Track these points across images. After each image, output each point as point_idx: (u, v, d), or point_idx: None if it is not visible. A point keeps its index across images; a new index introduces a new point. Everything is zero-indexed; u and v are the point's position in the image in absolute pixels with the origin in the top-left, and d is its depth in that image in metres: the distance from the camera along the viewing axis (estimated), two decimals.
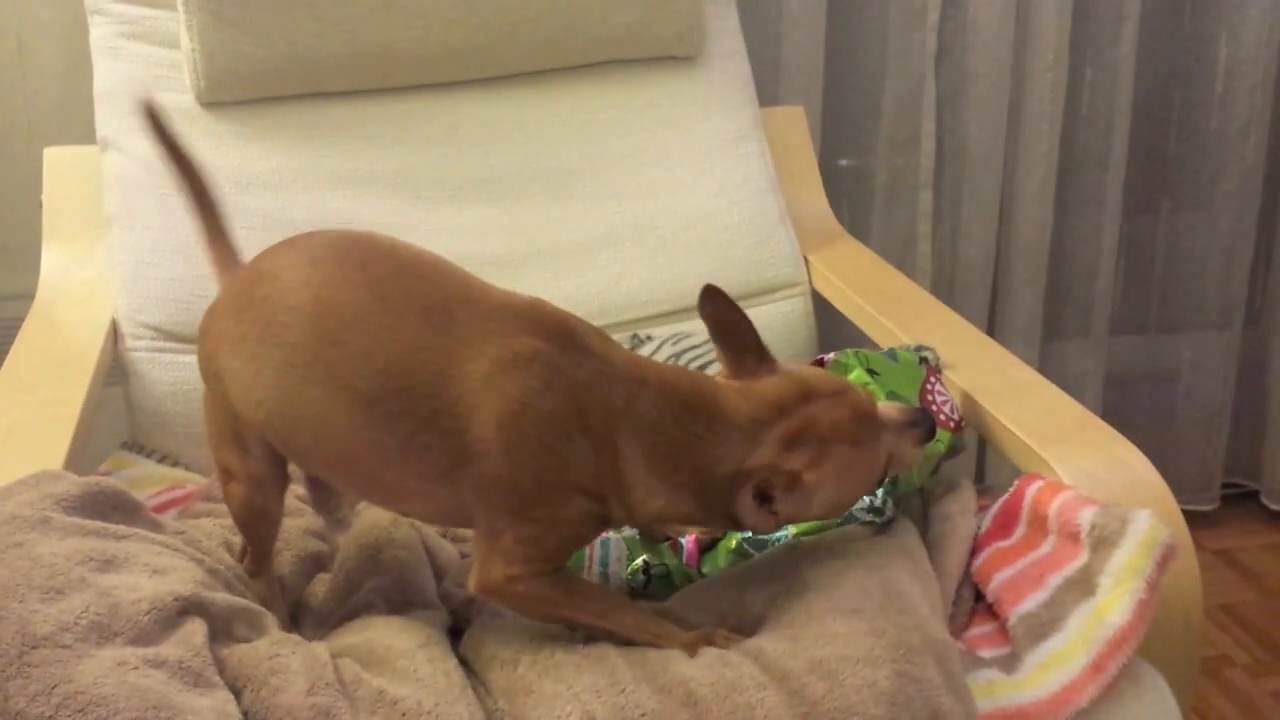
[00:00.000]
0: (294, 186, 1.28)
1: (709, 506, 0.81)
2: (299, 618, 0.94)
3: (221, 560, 0.92)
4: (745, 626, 0.86)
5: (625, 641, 0.82)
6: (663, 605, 0.88)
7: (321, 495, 1.00)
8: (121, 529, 0.85)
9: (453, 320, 0.80)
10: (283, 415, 0.83)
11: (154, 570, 0.81)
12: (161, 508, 1.07)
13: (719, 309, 0.84)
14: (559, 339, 0.80)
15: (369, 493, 0.89)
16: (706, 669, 0.78)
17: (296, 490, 1.01)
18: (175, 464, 1.20)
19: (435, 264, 0.85)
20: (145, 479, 1.14)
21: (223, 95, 1.29)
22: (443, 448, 0.79)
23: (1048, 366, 1.81)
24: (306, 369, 0.81)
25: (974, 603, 0.93)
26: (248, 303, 0.86)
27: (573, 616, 0.83)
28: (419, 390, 0.79)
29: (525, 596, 0.81)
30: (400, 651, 0.81)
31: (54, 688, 0.69)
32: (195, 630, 0.77)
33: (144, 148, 1.28)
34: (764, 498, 0.80)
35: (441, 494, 0.82)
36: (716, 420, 0.80)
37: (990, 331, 1.77)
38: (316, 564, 1.00)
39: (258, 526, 0.91)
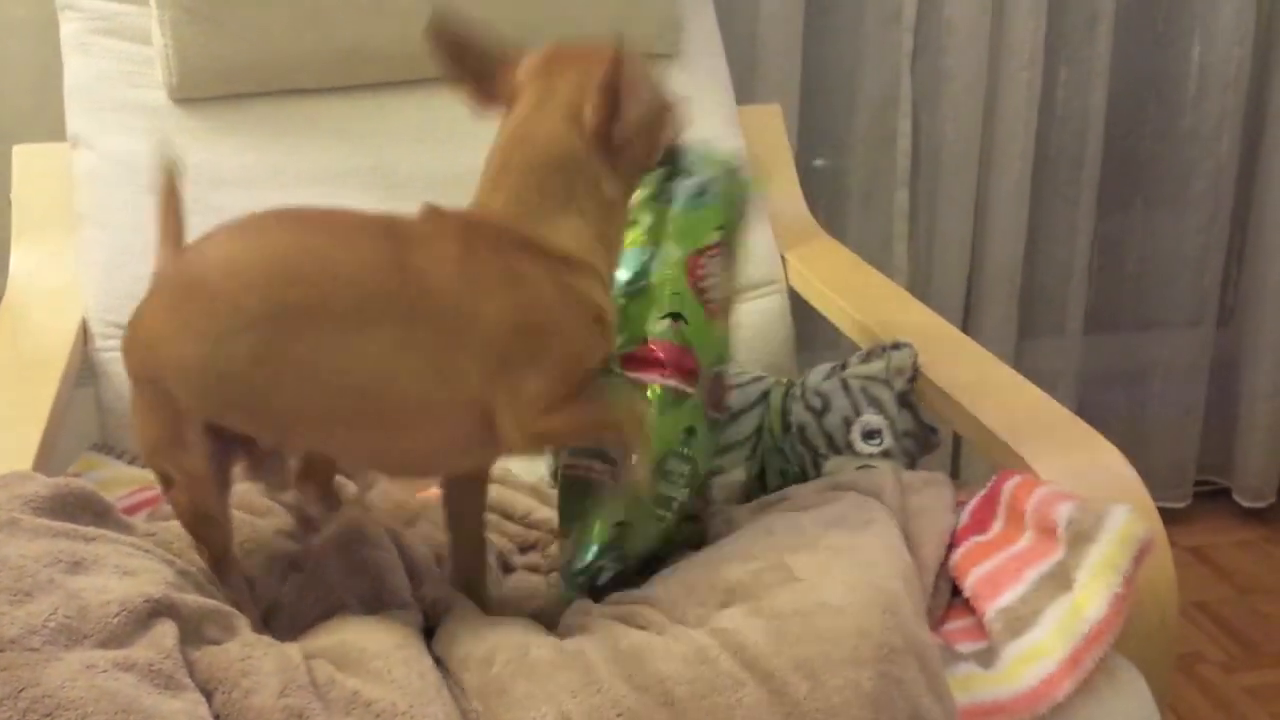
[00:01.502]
0: (267, 183, 1.27)
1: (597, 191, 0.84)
2: (272, 619, 0.93)
3: (193, 561, 0.91)
4: (715, 597, 0.85)
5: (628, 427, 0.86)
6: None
7: (308, 492, 0.99)
8: (90, 530, 0.84)
9: (392, 231, 0.84)
10: (259, 388, 0.82)
11: (124, 572, 0.80)
12: (132, 509, 1.06)
13: (448, 43, 0.86)
14: (459, 213, 0.86)
15: (365, 439, 0.85)
16: (685, 665, 0.78)
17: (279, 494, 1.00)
18: (145, 465, 1.18)
19: (339, 207, 0.88)
20: (115, 480, 1.13)
21: (195, 91, 1.28)
22: (435, 339, 0.81)
23: (1022, 364, 1.81)
24: (277, 324, 0.80)
25: (951, 597, 0.93)
26: (185, 292, 0.84)
27: (589, 419, 0.85)
28: (399, 292, 0.81)
29: (563, 427, 0.85)
30: (374, 653, 0.80)
31: (21, 691, 0.68)
32: (166, 632, 0.76)
33: (115, 145, 1.27)
34: (609, 111, 0.81)
35: (444, 405, 0.82)
36: (548, 151, 0.84)
37: (965, 329, 1.78)
38: (290, 565, 0.99)
39: (208, 530, 0.88)
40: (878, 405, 1.07)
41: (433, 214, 0.85)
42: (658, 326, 0.94)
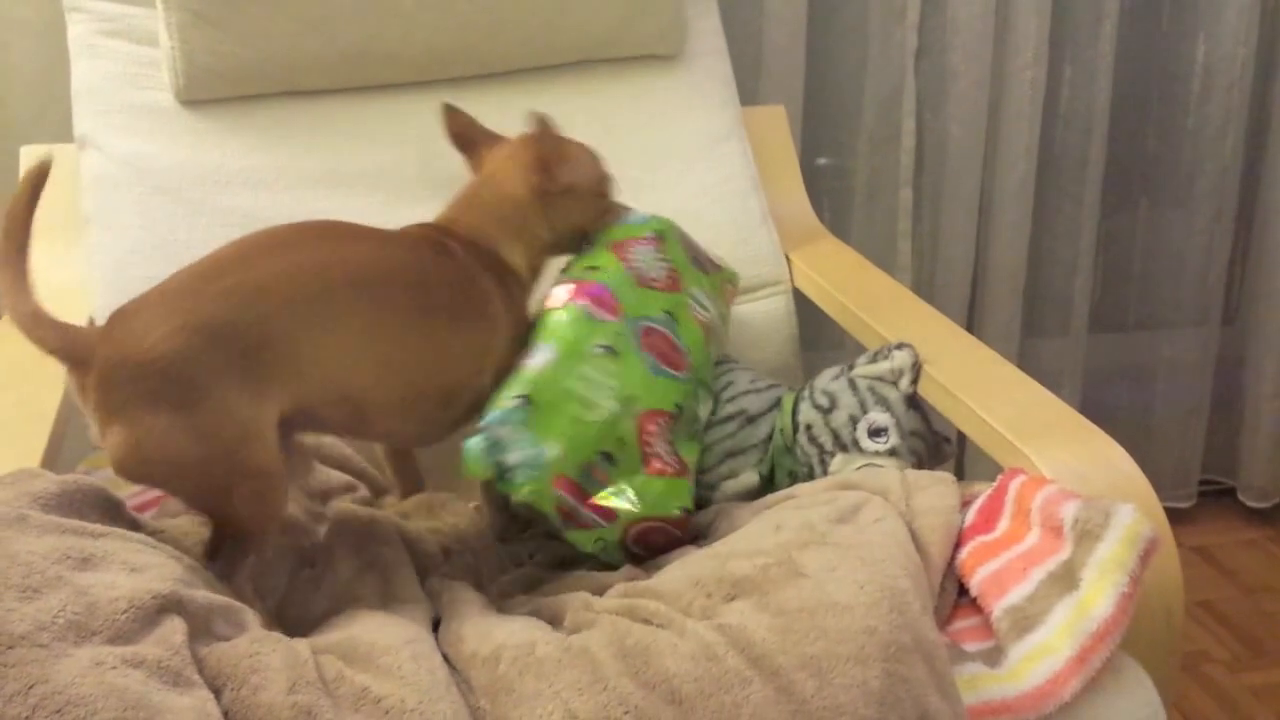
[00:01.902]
0: (274, 185, 1.27)
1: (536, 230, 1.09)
2: (283, 614, 0.93)
3: (200, 558, 0.91)
4: (723, 590, 0.85)
5: None
6: None
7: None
8: (98, 527, 0.84)
9: (420, 241, 1.04)
10: (353, 375, 0.94)
11: (132, 568, 0.81)
12: (138, 509, 1.06)
13: (457, 124, 1.15)
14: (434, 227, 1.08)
15: (414, 417, 1.00)
16: (692, 662, 0.78)
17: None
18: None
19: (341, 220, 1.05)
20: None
21: (202, 93, 1.28)
22: (480, 333, 1.02)
23: (1027, 363, 1.81)
24: (374, 319, 0.95)
25: (958, 596, 0.93)
26: (313, 290, 0.93)
27: None
28: (463, 294, 1.02)
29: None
30: (384, 648, 0.80)
31: (31, 687, 0.68)
32: (174, 629, 0.77)
33: (122, 146, 1.27)
34: (544, 167, 1.08)
35: (469, 386, 1.01)
36: (501, 194, 1.10)
37: (970, 328, 1.78)
38: (300, 560, 1.00)
39: (271, 525, 0.94)
40: (884, 404, 1.07)
41: (439, 229, 1.07)
42: (574, 270, 1.10)
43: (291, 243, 0.96)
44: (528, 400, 0.98)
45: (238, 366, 0.87)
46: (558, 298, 1.06)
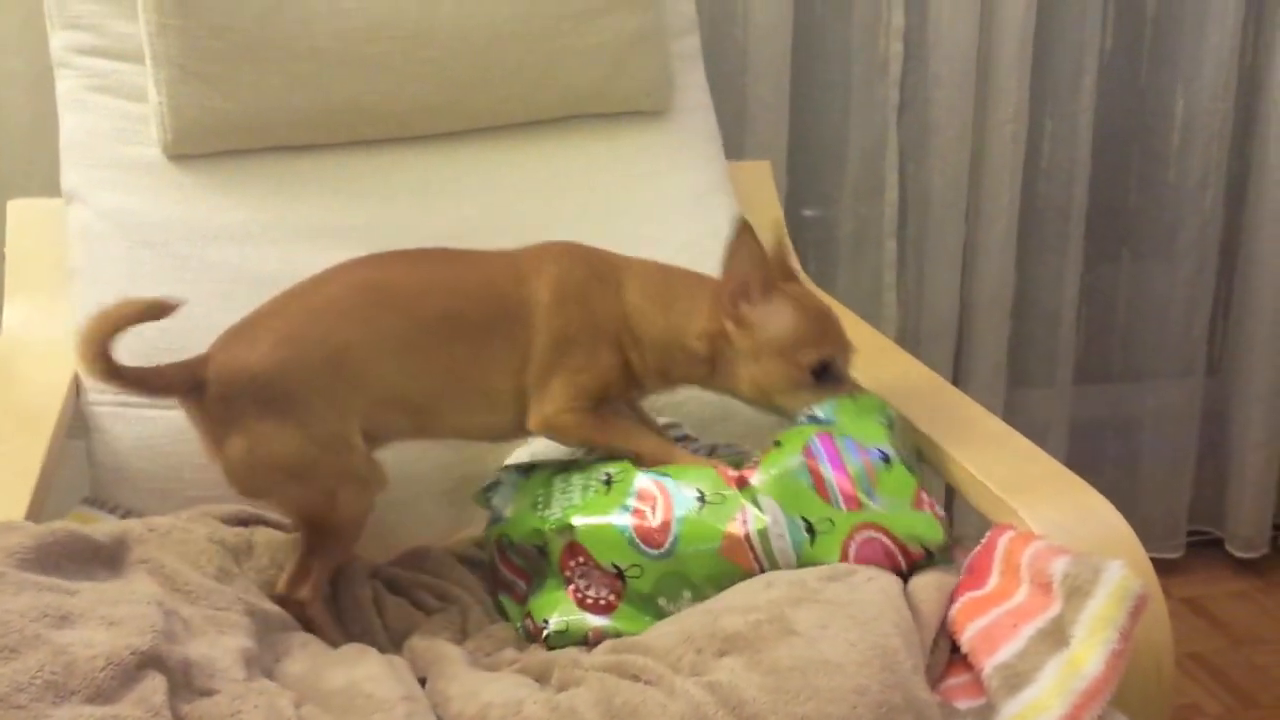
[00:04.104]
0: (261, 239, 1.27)
1: (685, 338, 1.03)
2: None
3: (211, 561, 0.93)
4: (714, 645, 0.84)
5: (648, 462, 1.01)
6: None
7: None
8: (73, 585, 0.83)
9: (489, 260, 1.07)
10: (423, 381, 1.01)
11: (110, 622, 0.80)
12: None
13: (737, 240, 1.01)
14: (568, 245, 1.08)
15: (462, 419, 1.06)
16: None
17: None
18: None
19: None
20: None
21: (190, 148, 1.29)
22: (510, 339, 1.03)
23: (1013, 414, 1.82)
24: (438, 331, 1.01)
25: (950, 653, 0.92)
26: (378, 305, 1.01)
27: (604, 440, 1.04)
28: (495, 303, 1.04)
29: (568, 425, 1.03)
30: (379, 702, 0.80)
31: None
32: (154, 687, 0.76)
33: (109, 201, 1.27)
34: (736, 300, 1.00)
35: (518, 390, 1.03)
36: (690, 278, 1.06)
37: (955, 380, 1.78)
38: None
39: (359, 531, 1.00)
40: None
41: (541, 245, 1.09)
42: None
43: (365, 264, 1.05)
44: (531, 469, 1.09)
45: (321, 379, 0.97)
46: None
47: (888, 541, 0.94)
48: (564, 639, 0.98)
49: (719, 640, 0.84)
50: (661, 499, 0.98)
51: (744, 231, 0.99)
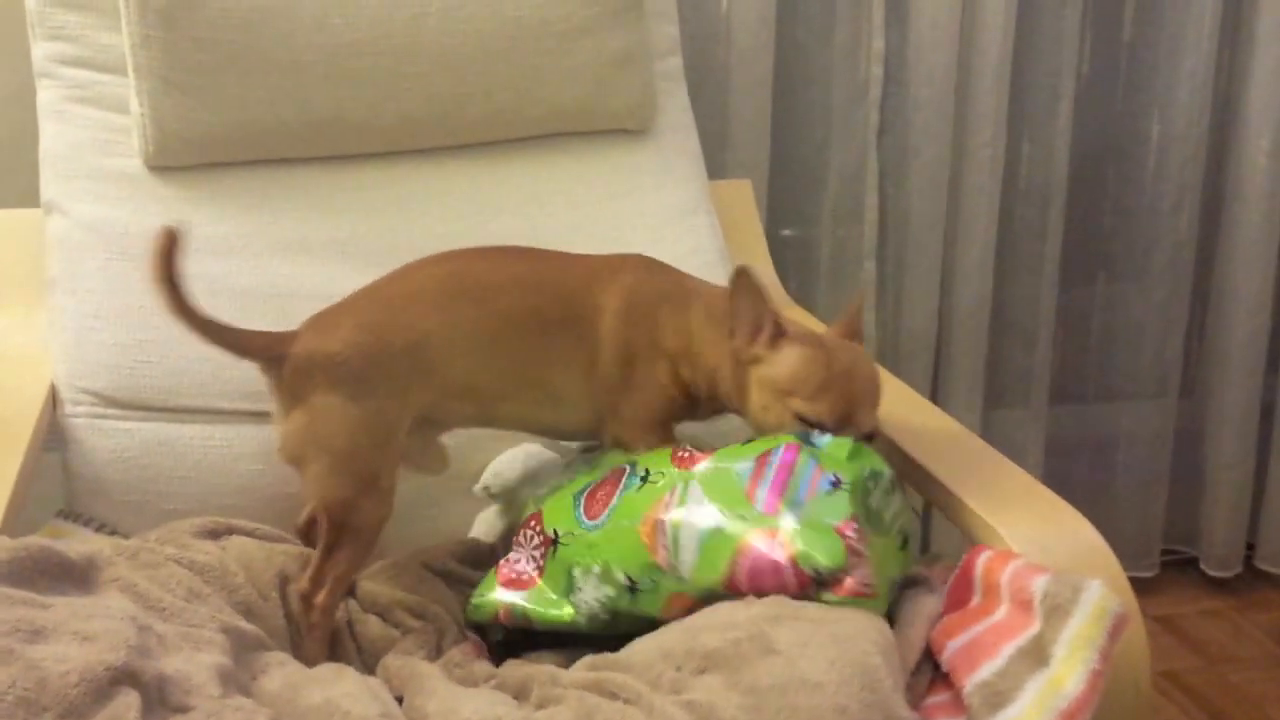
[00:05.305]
0: (242, 252, 1.27)
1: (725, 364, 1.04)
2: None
3: (181, 584, 0.92)
4: (693, 663, 0.84)
5: None
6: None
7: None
8: (46, 599, 0.83)
9: (569, 261, 1.11)
10: (492, 370, 1.06)
11: (83, 637, 0.79)
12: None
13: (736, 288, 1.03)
14: (645, 259, 1.12)
15: (525, 412, 1.10)
16: None
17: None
18: (113, 532, 1.17)
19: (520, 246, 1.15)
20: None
21: (171, 160, 1.28)
22: (579, 339, 1.06)
23: (990, 434, 1.83)
24: (511, 324, 1.06)
25: (933, 673, 0.93)
26: (455, 295, 1.06)
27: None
28: (567, 303, 1.08)
29: (638, 449, 1.06)
30: (356, 719, 0.79)
31: None
32: (128, 704, 0.75)
33: (89, 212, 1.27)
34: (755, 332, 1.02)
35: (582, 395, 1.07)
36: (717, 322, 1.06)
37: (934, 399, 1.79)
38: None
39: (372, 541, 1.03)
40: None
41: (618, 256, 1.13)
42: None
43: (449, 258, 1.10)
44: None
45: (398, 365, 1.02)
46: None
47: (780, 559, 0.89)
48: (479, 613, 1.03)
49: (698, 658, 0.84)
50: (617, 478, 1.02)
51: (743, 276, 1.02)
